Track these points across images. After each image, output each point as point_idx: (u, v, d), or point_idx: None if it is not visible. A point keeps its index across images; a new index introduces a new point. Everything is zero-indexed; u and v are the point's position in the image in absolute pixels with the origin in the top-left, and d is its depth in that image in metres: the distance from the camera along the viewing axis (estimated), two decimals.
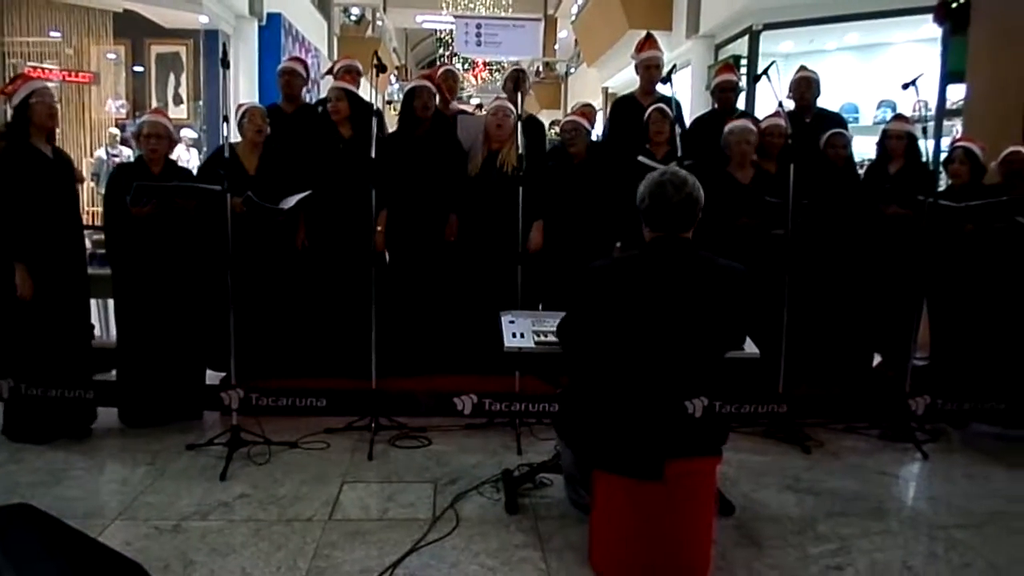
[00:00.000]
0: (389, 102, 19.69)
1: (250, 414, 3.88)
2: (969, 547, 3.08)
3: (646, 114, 4.70)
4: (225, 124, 3.94)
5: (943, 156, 5.17)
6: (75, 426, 4.04)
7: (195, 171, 4.88)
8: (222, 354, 4.22)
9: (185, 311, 4.30)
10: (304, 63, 5.24)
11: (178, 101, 12.03)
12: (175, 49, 11.83)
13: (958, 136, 5.24)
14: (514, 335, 3.17)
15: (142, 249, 4.16)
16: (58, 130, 4.32)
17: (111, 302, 4.70)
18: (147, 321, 4.22)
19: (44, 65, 10.31)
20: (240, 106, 4.56)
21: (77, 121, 10.91)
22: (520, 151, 4.30)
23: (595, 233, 4.61)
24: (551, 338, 3.05)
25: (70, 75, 10.59)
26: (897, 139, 4.74)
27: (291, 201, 4.29)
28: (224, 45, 4.21)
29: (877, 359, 5.09)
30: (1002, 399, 3.29)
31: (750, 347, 3.09)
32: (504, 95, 4.58)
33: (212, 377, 4.58)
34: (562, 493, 3.30)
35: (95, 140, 10.89)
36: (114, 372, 4.37)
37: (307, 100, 5.20)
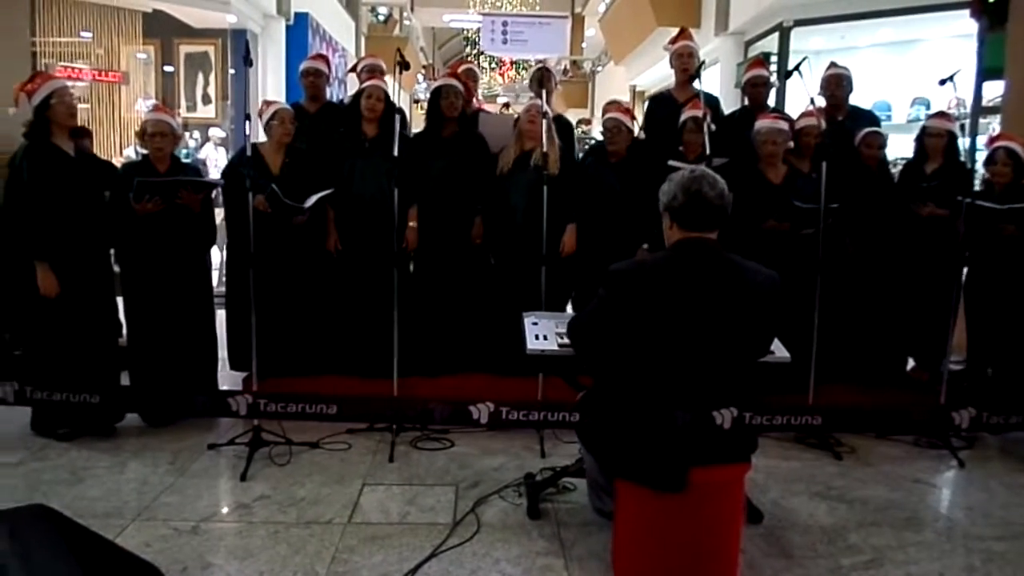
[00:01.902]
0: (416, 101, 19.72)
1: (259, 419, 3.82)
2: (1008, 560, 2.97)
3: (681, 119, 4.59)
4: (248, 123, 3.92)
5: (979, 155, 5.02)
6: (100, 424, 4.05)
7: (220, 170, 4.86)
8: (244, 353, 4.21)
9: (194, 310, 4.29)
10: (327, 60, 5.21)
11: (207, 100, 12.13)
12: (204, 49, 11.93)
13: (994, 134, 5.09)
14: (537, 337, 3.11)
15: (147, 246, 4.14)
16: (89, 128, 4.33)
17: None
18: (156, 321, 4.20)
19: (75, 65, 10.42)
20: (267, 103, 4.52)
21: (107, 121, 11.02)
22: (546, 150, 4.23)
23: (628, 235, 4.51)
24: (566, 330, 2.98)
25: (100, 75, 10.68)
26: (937, 137, 4.60)
27: (312, 199, 4.26)
28: (247, 43, 4.16)
29: (911, 363, 4.96)
30: None
31: (781, 351, 3.00)
32: (532, 94, 4.52)
33: (236, 377, 4.59)
34: (585, 499, 3.23)
35: (125, 139, 10.99)
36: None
37: (330, 98, 5.16)
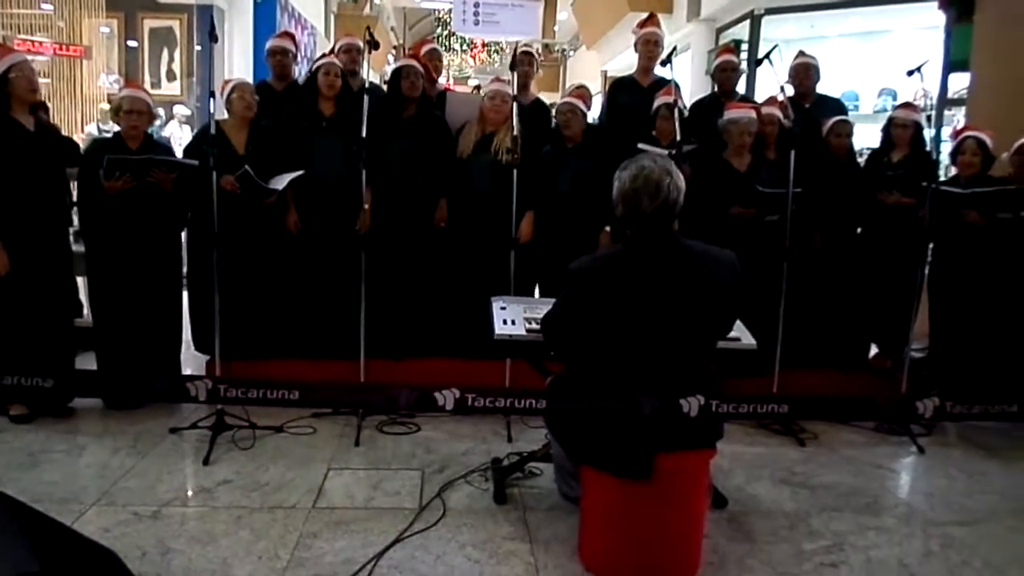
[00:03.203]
0: (386, 82, 19.48)
1: (219, 404, 3.76)
2: (966, 545, 3.02)
3: (654, 107, 4.57)
4: (213, 101, 3.84)
5: (943, 146, 5.08)
6: (55, 406, 3.98)
7: (183, 148, 4.76)
8: (208, 335, 4.15)
9: (162, 292, 4.21)
10: (294, 38, 5.10)
11: (171, 77, 11.86)
12: (168, 24, 11.66)
13: (959, 126, 5.15)
14: (505, 322, 3.10)
15: (116, 226, 4.06)
16: (50, 103, 4.22)
17: None
18: (121, 302, 4.13)
19: (35, 38, 10.14)
20: (227, 82, 4.43)
21: (69, 96, 10.74)
22: (515, 134, 4.20)
23: (589, 219, 4.50)
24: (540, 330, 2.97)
25: (61, 48, 10.40)
26: (903, 127, 4.64)
27: (283, 180, 4.19)
28: (213, 19, 4.06)
29: (874, 350, 5.02)
30: (1012, 399, 3.24)
31: (747, 338, 3.02)
32: (506, 78, 4.44)
33: (200, 359, 4.52)
34: (552, 484, 3.23)
35: (86, 115, 10.73)
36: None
37: (297, 77, 5.05)
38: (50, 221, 3.96)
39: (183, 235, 4.45)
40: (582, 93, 4.80)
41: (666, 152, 3.70)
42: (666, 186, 2.52)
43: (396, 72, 4.60)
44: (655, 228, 2.56)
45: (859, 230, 4.76)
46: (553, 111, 5.17)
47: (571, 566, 2.75)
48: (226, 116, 4.37)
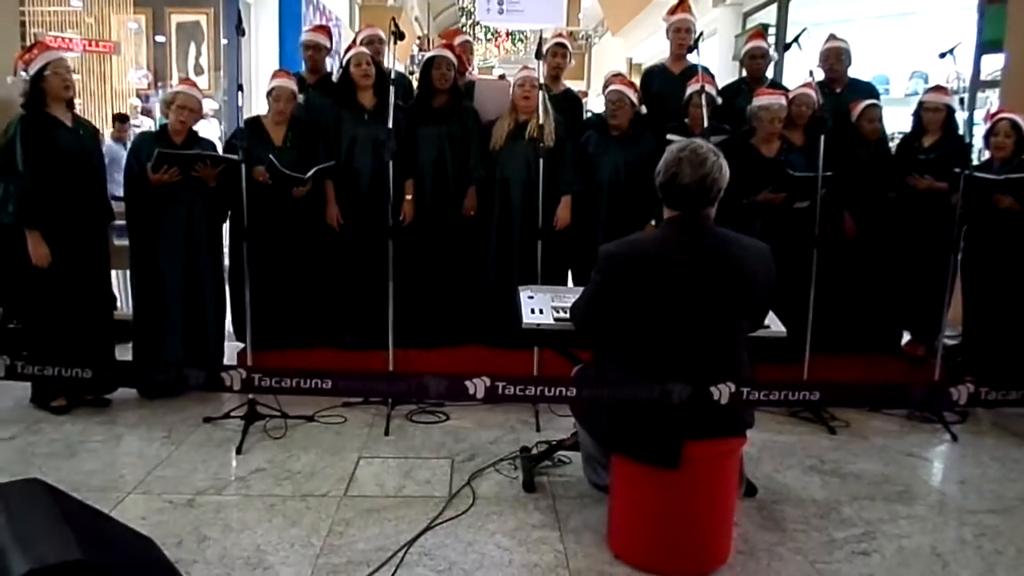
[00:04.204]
0: (412, 72, 19.49)
1: (252, 393, 3.81)
2: (1000, 533, 2.99)
3: (686, 95, 4.53)
4: (240, 94, 3.88)
5: (977, 129, 4.98)
6: (94, 397, 4.07)
7: (219, 142, 4.82)
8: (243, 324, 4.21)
9: (204, 285, 4.29)
10: (328, 32, 5.11)
11: (199, 71, 11.94)
12: (195, 18, 11.72)
13: (993, 109, 5.05)
14: (532, 311, 3.10)
15: (162, 218, 4.15)
16: (77, 100, 4.28)
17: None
18: (164, 294, 4.21)
19: (65, 34, 10.26)
20: (275, 74, 4.47)
21: (98, 92, 10.87)
22: (540, 122, 4.20)
23: (629, 210, 4.48)
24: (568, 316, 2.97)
25: (91, 45, 10.52)
26: (935, 111, 4.56)
27: (312, 170, 4.24)
28: (240, 12, 4.10)
29: (907, 337, 4.96)
30: None
31: (777, 325, 3.00)
32: (533, 66, 4.42)
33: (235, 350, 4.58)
34: (580, 472, 3.23)
35: (116, 110, 10.85)
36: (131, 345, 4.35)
37: (329, 70, 5.06)
38: (89, 215, 4.03)
39: (225, 228, 4.50)
40: (631, 81, 4.75)
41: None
42: (711, 163, 2.53)
43: (428, 62, 4.60)
44: (691, 205, 2.55)
45: (889, 215, 4.69)
46: (590, 99, 5.13)
47: (600, 554, 2.76)
48: (264, 110, 4.41)
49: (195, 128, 4.29)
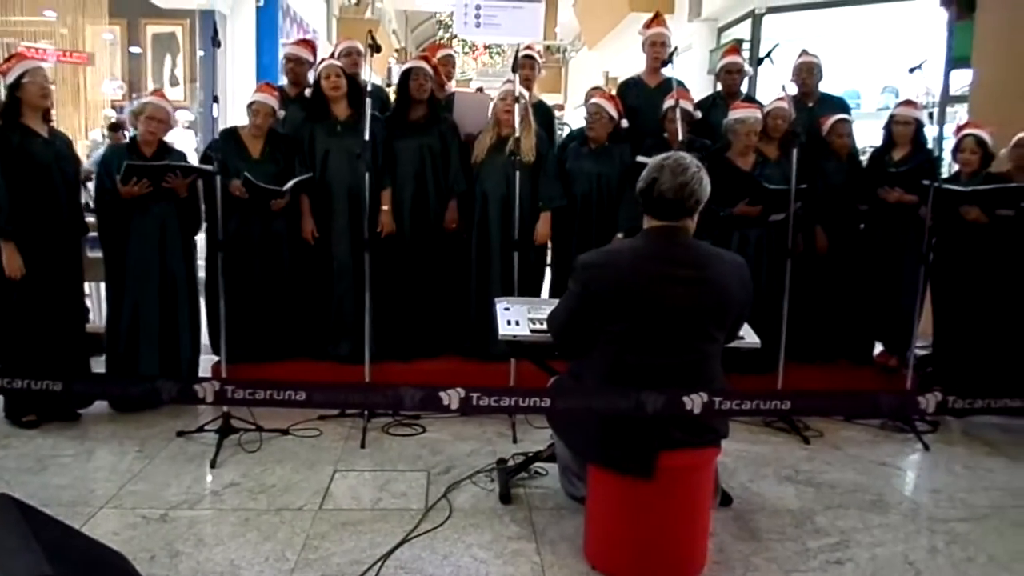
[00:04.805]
0: (389, 85, 19.47)
1: (226, 406, 3.78)
2: (970, 541, 3.03)
3: (663, 110, 4.57)
4: (215, 105, 3.86)
5: (947, 143, 5.07)
6: (65, 411, 4.02)
7: (195, 153, 4.79)
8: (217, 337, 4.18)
9: (178, 296, 4.24)
10: (312, 46, 5.09)
11: (174, 82, 11.89)
12: (171, 29, 11.68)
13: (961, 123, 5.15)
14: (508, 322, 3.11)
15: (134, 230, 4.10)
16: (54, 111, 4.24)
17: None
18: (138, 306, 4.16)
19: (39, 45, 10.17)
20: (259, 88, 4.44)
21: (72, 102, 10.78)
22: (518, 135, 4.22)
23: (604, 222, 4.51)
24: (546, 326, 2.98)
25: (65, 55, 10.44)
26: (904, 125, 4.64)
27: (290, 182, 4.23)
28: (216, 24, 4.09)
29: (879, 347, 5.02)
30: (1015, 394, 3.23)
31: (751, 336, 3.03)
32: (511, 78, 4.44)
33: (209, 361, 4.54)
34: (557, 483, 3.24)
35: (90, 122, 10.77)
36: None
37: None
38: (63, 227, 3.98)
39: (200, 240, 4.47)
40: (612, 95, 4.78)
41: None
42: (691, 173, 2.55)
43: (405, 73, 4.61)
44: (669, 214, 2.57)
45: (862, 227, 4.76)
46: (567, 112, 5.19)
47: (577, 565, 2.76)
48: (245, 123, 4.41)
49: (166, 139, 4.26)
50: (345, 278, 4.45)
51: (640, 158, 4.27)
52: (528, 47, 5.30)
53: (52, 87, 4.07)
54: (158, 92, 4.53)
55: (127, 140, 4.42)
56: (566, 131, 7.04)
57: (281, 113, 4.41)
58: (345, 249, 4.44)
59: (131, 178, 3.93)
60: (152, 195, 4.02)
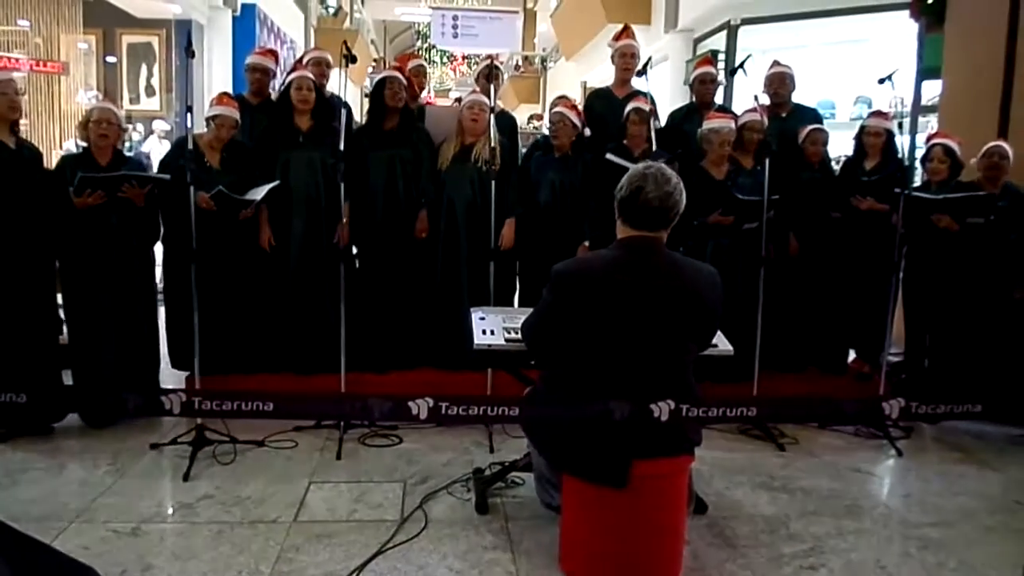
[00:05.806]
0: (367, 95, 19.45)
1: (195, 417, 3.75)
2: (942, 545, 3.06)
3: (624, 114, 4.61)
4: (190, 115, 3.84)
5: (918, 152, 5.15)
6: (36, 424, 3.95)
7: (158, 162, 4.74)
8: (185, 352, 4.13)
9: (137, 308, 4.18)
10: (275, 55, 5.10)
11: (150, 92, 11.83)
12: (147, 39, 11.64)
13: (932, 132, 5.22)
14: (484, 332, 3.11)
15: (89, 242, 4.01)
16: (24, 121, 4.20)
17: None
18: (97, 319, 4.08)
19: (12, 54, 10.09)
20: (218, 100, 4.40)
21: (46, 112, 10.69)
22: (493, 145, 4.24)
23: (568, 230, 4.53)
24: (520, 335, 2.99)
25: (39, 65, 10.36)
26: (875, 135, 4.71)
27: (260, 192, 4.19)
28: (189, 34, 4.07)
29: (852, 355, 5.07)
30: (978, 399, 3.29)
31: (724, 344, 3.05)
32: (476, 88, 4.48)
33: (179, 376, 4.49)
34: (533, 493, 3.23)
35: (65, 132, 10.68)
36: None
37: (272, 91, 5.04)
38: (32, 238, 3.93)
39: (158, 250, 4.42)
40: (574, 104, 4.82)
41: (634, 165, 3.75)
42: (674, 184, 2.59)
43: (380, 83, 4.62)
44: (650, 223, 2.59)
45: (833, 236, 4.81)
46: (532, 122, 5.23)
47: (552, 574, 2.76)
48: (204, 131, 4.37)
49: (145, 150, 4.23)
50: (301, 287, 4.45)
51: (610, 156, 4.31)
52: (489, 56, 5.37)
53: (22, 98, 4.02)
54: (107, 98, 4.48)
55: (79, 150, 4.32)
56: None
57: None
58: (302, 258, 4.44)
59: (85, 189, 3.83)
60: (108, 205, 3.92)
